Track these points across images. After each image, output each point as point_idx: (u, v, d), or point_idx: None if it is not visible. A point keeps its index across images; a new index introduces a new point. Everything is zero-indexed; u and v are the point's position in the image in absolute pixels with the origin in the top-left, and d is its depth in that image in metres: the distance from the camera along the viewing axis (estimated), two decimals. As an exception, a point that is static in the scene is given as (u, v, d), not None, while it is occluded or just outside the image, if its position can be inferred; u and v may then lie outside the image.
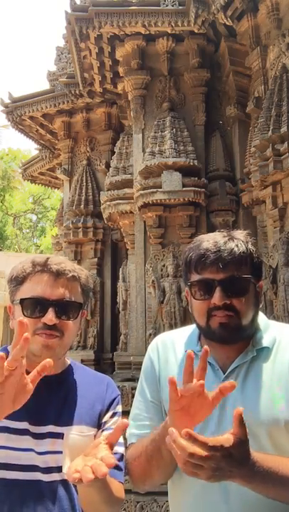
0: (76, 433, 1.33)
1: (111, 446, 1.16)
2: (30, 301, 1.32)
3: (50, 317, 1.29)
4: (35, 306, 1.31)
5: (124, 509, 4.32)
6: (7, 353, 1.40)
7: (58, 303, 1.32)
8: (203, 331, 1.37)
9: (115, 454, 1.36)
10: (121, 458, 1.39)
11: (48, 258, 1.36)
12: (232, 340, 1.32)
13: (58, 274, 1.34)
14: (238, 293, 1.30)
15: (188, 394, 1.13)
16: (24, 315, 1.31)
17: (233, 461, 1.04)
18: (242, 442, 1.05)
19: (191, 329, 1.48)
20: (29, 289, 1.33)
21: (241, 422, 1.05)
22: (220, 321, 1.29)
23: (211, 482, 1.07)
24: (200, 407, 1.14)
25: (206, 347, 1.16)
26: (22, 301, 1.32)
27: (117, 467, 1.36)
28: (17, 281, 1.36)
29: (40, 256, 1.40)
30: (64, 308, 1.33)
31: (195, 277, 1.35)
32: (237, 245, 1.32)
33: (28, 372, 1.36)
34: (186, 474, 1.07)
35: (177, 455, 1.04)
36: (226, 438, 1.05)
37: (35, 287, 1.32)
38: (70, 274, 1.35)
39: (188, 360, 1.13)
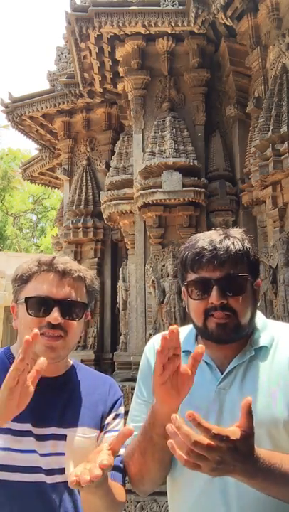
0: (79, 435, 1.32)
1: (114, 453, 1.14)
2: (35, 300, 1.31)
3: (54, 316, 1.29)
4: (40, 305, 1.31)
5: (124, 509, 4.32)
6: (10, 354, 1.40)
7: (62, 302, 1.31)
8: (200, 331, 1.35)
9: (117, 456, 1.36)
10: (122, 460, 1.38)
11: (53, 257, 1.36)
12: (229, 340, 1.31)
13: (64, 274, 1.33)
14: (235, 291, 1.29)
15: (171, 366, 1.14)
16: (29, 314, 1.30)
17: (237, 455, 1.01)
18: (248, 436, 1.02)
19: (188, 329, 1.47)
20: (34, 288, 1.32)
21: (249, 413, 1.02)
22: (217, 321, 1.28)
23: (212, 476, 1.05)
24: (184, 381, 1.16)
25: (201, 345, 1.15)
26: (27, 299, 1.31)
27: (119, 469, 1.35)
28: (22, 280, 1.35)
29: (46, 255, 1.40)
30: (69, 308, 1.32)
31: (191, 277, 1.33)
32: (233, 243, 1.30)
33: None
34: (187, 467, 1.01)
35: (179, 444, 1.00)
36: (233, 430, 1.02)
37: (41, 286, 1.32)
38: (76, 274, 1.35)
39: (171, 335, 1.11)
